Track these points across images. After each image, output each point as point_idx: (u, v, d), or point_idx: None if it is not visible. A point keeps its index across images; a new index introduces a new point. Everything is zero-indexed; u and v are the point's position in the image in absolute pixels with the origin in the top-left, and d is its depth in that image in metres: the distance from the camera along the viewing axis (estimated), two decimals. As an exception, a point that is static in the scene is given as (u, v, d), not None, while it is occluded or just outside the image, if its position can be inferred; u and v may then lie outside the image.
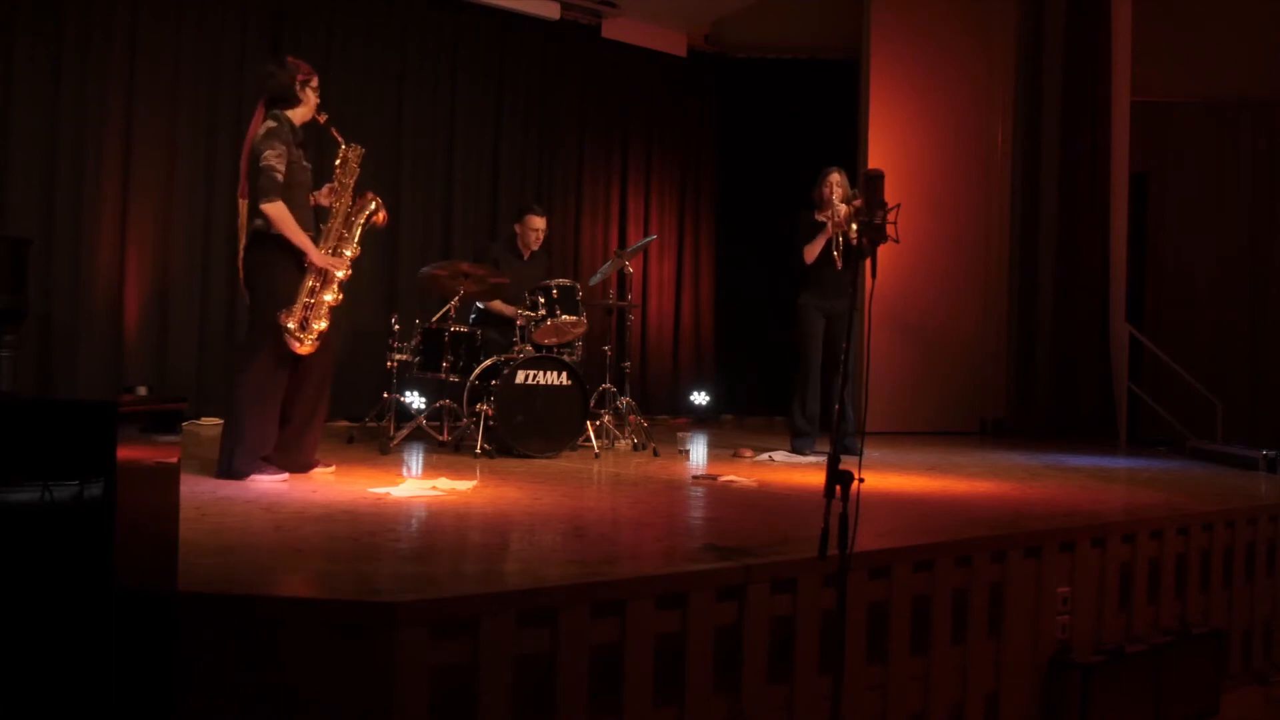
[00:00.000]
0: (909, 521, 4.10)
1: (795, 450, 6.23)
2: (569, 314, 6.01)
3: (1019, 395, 9.02)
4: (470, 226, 8.13)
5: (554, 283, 6.08)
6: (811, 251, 6.12)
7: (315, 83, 4.78)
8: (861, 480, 2.71)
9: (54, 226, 6.43)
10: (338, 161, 4.90)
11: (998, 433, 8.72)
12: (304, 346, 4.55)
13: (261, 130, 4.61)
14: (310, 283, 4.60)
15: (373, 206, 4.89)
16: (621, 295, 6.94)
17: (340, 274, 4.69)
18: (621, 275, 6.82)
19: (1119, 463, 6.75)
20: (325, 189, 4.90)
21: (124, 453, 2.21)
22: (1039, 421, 8.70)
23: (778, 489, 4.95)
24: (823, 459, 3.50)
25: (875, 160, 7.96)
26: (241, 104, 7.10)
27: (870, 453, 6.36)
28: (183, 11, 6.89)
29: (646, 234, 8.86)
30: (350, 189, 4.87)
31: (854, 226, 5.87)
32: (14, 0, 6.29)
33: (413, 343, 6.26)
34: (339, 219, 4.82)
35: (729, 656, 3.04)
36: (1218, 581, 4.56)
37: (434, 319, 6.29)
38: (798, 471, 5.63)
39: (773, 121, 9.28)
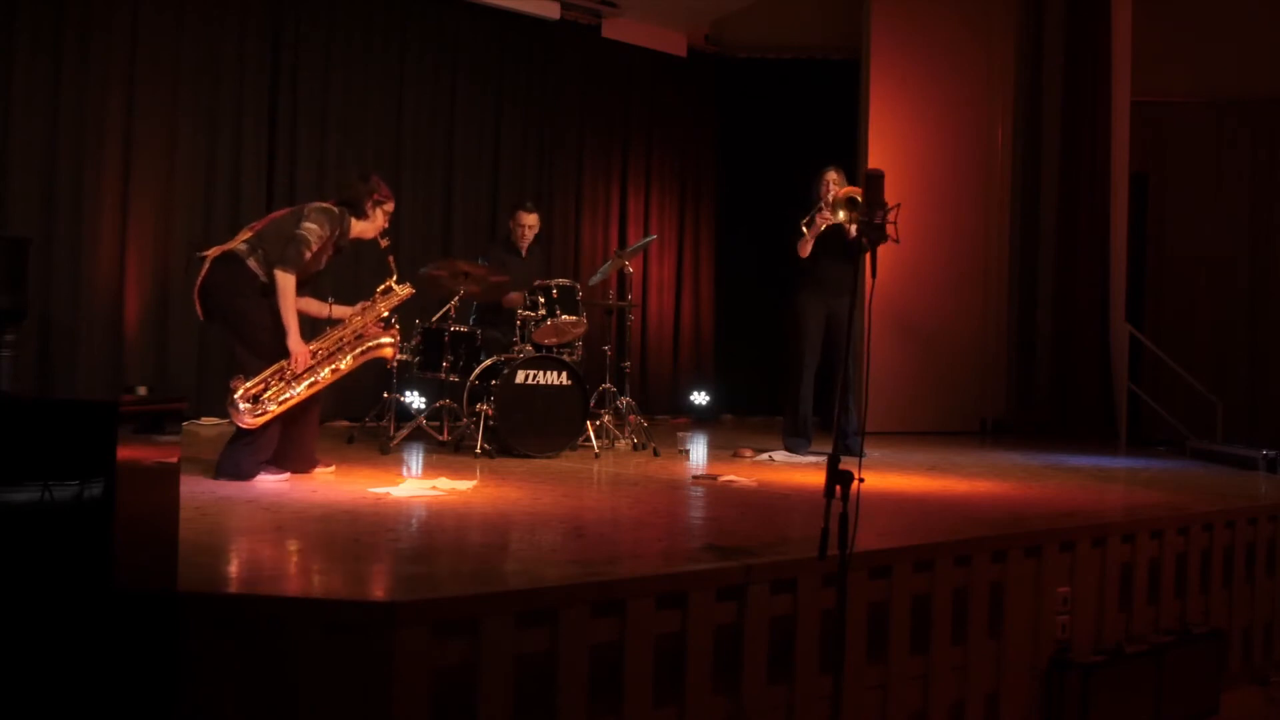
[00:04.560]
0: (909, 521, 4.10)
1: (789, 449, 6.19)
2: (569, 314, 6.01)
3: (1019, 395, 9.01)
4: (470, 226, 8.12)
5: (554, 283, 6.07)
6: (804, 246, 6.00)
7: (389, 207, 4.86)
8: (861, 480, 2.71)
9: (54, 226, 6.42)
10: (382, 288, 4.90)
11: (998, 433, 8.71)
12: (240, 417, 4.41)
13: (322, 204, 4.68)
14: (281, 365, 4.53)
15: (388, 340, 4.85)
16: (621, 295, 6.93)
17: (314, 368, 4.58)
18: (621, 275, 6.82)
19: (1119, 463, 6.75)
20: (359, 306, 4.87)
21: (124, 453, 2.21)
22: (1039, 421, 8.70)
23: (778, 489, 4.95)
24: (822, 459, 3.50)
25: (875, 160, 7.95)
26: (242, 104, 7.11)
27: (870, 453, 6.36)
28: (183, 11, 6.89)
29: (646, 234, 8.85)
30: (380, 316, 4.87)
31: (842, 214, 5.58)
32: (14, 0, 6.29)
33: (413, 343, 6.26)
34: (351, 330, 4.77)
35: (729, 656, 3.04)
36: (1218, 581, 4.57)
37: (434, 319, 6.28)
38: (798, 471, 5.63)
39: (773, 121, 9.28)
